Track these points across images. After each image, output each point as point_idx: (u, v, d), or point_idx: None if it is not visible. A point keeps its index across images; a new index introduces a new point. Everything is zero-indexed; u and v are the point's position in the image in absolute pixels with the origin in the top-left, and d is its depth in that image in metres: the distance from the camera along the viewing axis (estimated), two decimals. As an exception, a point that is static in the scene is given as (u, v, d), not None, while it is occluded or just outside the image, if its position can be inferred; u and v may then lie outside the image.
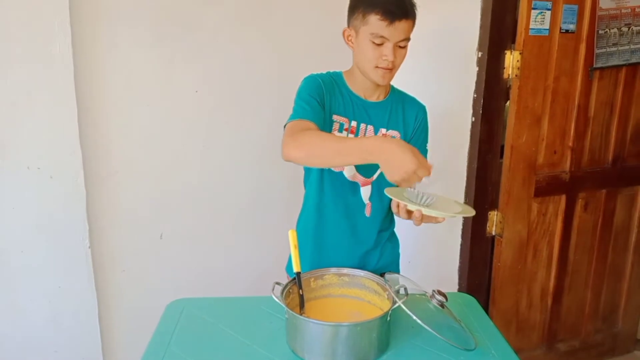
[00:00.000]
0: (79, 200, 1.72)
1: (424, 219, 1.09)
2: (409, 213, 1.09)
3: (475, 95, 1.83)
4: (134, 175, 1.85)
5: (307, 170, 1.35)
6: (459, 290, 2.03)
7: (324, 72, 1.29)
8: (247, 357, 1.07)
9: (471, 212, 1.14)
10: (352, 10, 1.18)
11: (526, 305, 2.06)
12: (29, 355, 1.79)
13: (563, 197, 1.99)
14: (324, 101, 1.21)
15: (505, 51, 1.78)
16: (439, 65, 2.00)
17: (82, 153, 1.70)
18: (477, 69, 1.79)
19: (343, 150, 1.01)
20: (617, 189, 2.08)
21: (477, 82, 1.81)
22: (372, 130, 1.26)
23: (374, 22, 1.12)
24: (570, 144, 1.93)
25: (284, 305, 1.07)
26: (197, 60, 1.84)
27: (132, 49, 1.75)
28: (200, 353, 1.08)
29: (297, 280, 1.16)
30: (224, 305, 1.28)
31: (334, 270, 1.24)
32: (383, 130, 1.26)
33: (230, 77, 1.91)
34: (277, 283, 1.15)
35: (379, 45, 1.14)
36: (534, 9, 1.69)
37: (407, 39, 1.16)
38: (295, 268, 1.16)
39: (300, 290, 1.15)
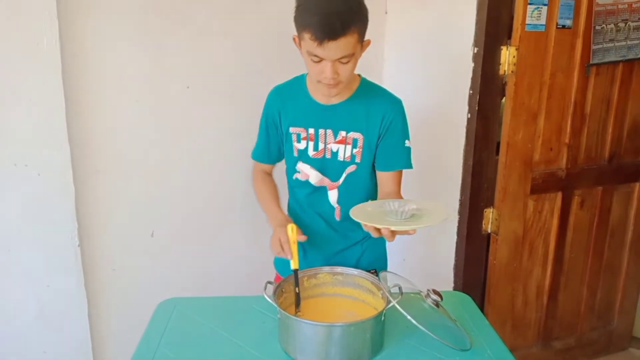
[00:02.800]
0: (68, 197, 1.69)
1: (396, 232, 1.06)
2: (378, 230, 1.06)
3: (471, 92, 1.81)
4: (124, 172, 1.82)
5: (286, 173, 1.38)
6: (455, 288, 2.02)
7: (290, 78, 1.30)
8: (239, 357, 1.06)
9: (443, 217, 1.09)
10: (294, 21, 1.13)
11: (522, 303, 2.06)
12: (17, 356, 1.76)
13: (559, 195, 1.98)
14: (276, 121, 1.30)
15: (501, 47, 1.76)
16: (435, 61, 1.99)
17: (71, 149, 1.66)
18: (472, 65, 1.78)
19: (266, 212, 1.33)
20: (614, 186, 2.08)
21: (472, 79, 1.80)
22: (332, 134, 1.25)
23: (307, 41, 1.08)
24: (567, 140, 1.92)
25: (276, 305, 1.06)
26: (188, 55, 1.81)
27: (121, 43, 1.72)
28: (191, 353, 1.07)
29: (294, 277, 1.14)
30: (215, 305, 1.27)
31: (327, 269, 1.23)
32: (343, 133, 1.25)
33: (222, 72, 1.88)
34: (270, 282, 1.15)
35: (318, 62, 1.10)
36: (530, 4, 1.67)
37: (350, 55, 1.09)
38: (293, 265, 1.14)
39: (297, 288, 1.13)
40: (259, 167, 1.41)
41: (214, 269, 2.02)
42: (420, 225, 1.04)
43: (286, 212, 1.42)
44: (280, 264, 1.42)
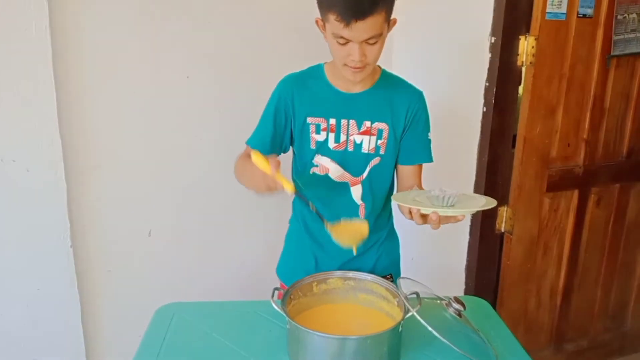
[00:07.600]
0: (59, 195, 1.66)
1: (441, 220, 1.03)
2: (424, 217, 1.04)
3: (487, 84, 1.75)
4: (119, 168, 1.78)
5: (292, 171, 1.31)
6: (466, 290, 1.97)
7: (305, 68, 1.24)
8: (244, 371, 1.00)
9: (492, 203, 1.07)
10: (318, 2, 1.08)
11: (535, 305, 2.01)
12: (6, 363, 1.74)
13: (575, 192, 1.93)
14: (288, 110, 1.21)
15: (520, 36, 1.69)
16: (449, 51, 1.93)
17: (62, 144, 1.63)
18: (489, 55, 1.72)
19: (246, 181, 1.15)
20: (631, 183, 2.03)
21: (489, 70, 1.73)
22: (355, 124, 1.20)
23: (333, 22, 1.03)
24: (585, 136, 1.87)
25: (285, 315, 1.00)
26: (188, 43, 1.77)
27: (116, 30, 1.67)
28: (192, 364, 1.03)
29: (301, 198, 1.09)
30: (218, 311, 1.22)
31: (338, 273, 1.17)
32: (367, 124, 1.20)
33: (224, 62, 1.83)
34: (277, 288, 1.09)
35: (344, 44, 1.06)
36: (551, -9, 1.60)
37: (377, 35, 1.05)
38: (290, 188, 1.01)
39: (312, 206, 1.10)
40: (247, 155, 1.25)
41: (215, 270, 1.99)
42: (469, 210, 1.03)
43: (288, 223, 1.37)
44: (284, 272, 1.37)
